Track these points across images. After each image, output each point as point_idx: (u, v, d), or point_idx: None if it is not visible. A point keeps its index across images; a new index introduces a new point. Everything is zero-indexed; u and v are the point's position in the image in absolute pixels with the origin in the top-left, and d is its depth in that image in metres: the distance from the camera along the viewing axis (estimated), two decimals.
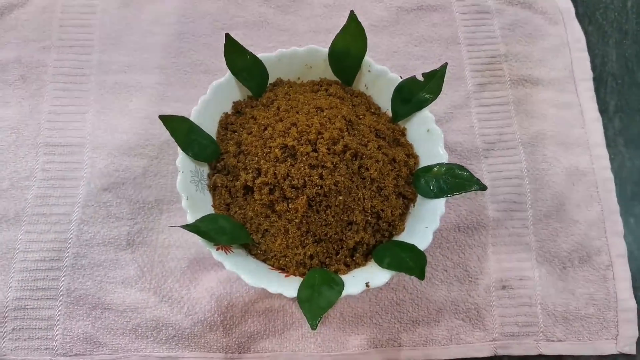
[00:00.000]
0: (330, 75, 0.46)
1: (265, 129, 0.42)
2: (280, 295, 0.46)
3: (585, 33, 0.57)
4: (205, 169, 0.43)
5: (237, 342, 0.45)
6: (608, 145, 0.52)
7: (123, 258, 0.47)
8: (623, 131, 0.54)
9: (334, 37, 0.45)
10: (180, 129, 0.41)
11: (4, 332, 0.45)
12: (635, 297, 0.47)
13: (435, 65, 0.44)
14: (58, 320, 0.45)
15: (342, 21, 0.45)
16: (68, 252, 0.47)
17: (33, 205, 0.48)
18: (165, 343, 0.45)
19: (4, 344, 0.44)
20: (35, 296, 0.45)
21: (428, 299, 0.47)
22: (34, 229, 0.47)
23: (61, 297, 0.46)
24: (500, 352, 0.46)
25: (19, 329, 0.45)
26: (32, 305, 0.45)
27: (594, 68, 0.55)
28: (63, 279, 0.46)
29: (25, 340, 0.45)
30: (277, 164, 0.40)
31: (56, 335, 0.45)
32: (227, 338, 0.45)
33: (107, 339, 0.45)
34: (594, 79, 0.55)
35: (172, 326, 0.45)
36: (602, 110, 0.54)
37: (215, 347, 0.45)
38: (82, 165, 0.49)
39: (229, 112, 0.45)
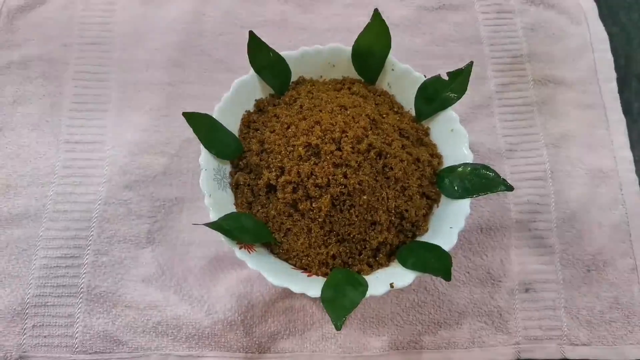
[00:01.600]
0: (353, 73, 0.46)
1: (289, 127, 0.42)
2: (300, 295, 0.46)
3: (609, 34, 0.56)
4: (227, 167, 0.43)
5: (257, 342, 0.45)
6: (632, 147, 0.52)
7: (143, 256, 0.47)
8: None
9: (353, 35, 0.45)
10: (204, 127, 0.41)
11: (24, 329, 0.45)
12: None
13: (457, 65, 0.44)
14: (78, 317, 0.45)
15: (362, 20, 0.45)
16: (89, 250, 0.47)
17: (54, 202, 0.48)
18: (185, 342, 0.45)
19: (24, 341, 0.44)
20: (56, 293, 0.45)
21: (450, 300, 0.46)
22: (55, 225, 0.47)
23: (81, 295, 0.45)
24: (524, 356, 0.45)
25: (39, 325, 0.45)
26: (53, 302, 0.45)
27: (617, 69, 0.55)
28: (83, 276, 0.46)
29: (45, 337, 0.44)
30: (301, 162, 0.39)
31: (76, 333, 0.45)
32: (247, 338, 0.45)
33: (127, 337, 0.45)
34: (618, 80, 0.54)
35: (192, 325, 0.45)
36: (626, 111, 0.53)
37: (235, 346, 0.44)
38: (103, 162, 0.49)
39: (252, 110, 0.45)
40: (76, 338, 0.44)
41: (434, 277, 0.46)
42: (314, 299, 0.46)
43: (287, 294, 0.46)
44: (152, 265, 0.47)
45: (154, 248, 0.47)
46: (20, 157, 0.50)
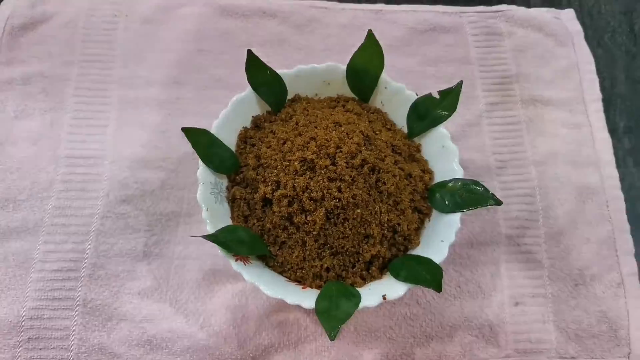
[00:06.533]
0: (347, 91, 0.48)
1: (284, 142, 0.43)
2: (294, 308, 0.46)
3: (595, 55, 0.58)
4: (224, 182, 0.44)
5: (251, 355, 0.45)
6: (618, 165, 0.53)
7: (140, 269, 0.47)
8: (632, 151, 0.55)
9: (348, 55, 0.46)
10: (202, 142, 0.42)
11: (20, 342, 0.45)
12: None
13: (449, 85, 0.46)
14: (74, 330, 0.45)
15: (357, 40, 0.46)
16: (85, 263, 0.47)
17: (52, 216, 0.49)
18: (180, 355, 0.45)
19: (19, 354, 0.44)
20: (52, 306, 0.46)
21: (442, 314, 0.47)
22: (52, 239, 0.48)
23: (77, 308, 0.46)
24: None
25: (35, 338, 0.45)
26: (49, 315, 0.46)
27: (603, 89, 0.56)
28: (80, 289, 0.46)
29: (40, 350, 0.45)
30: (296, 176, 0.41)
31: (72, 346, 0.45)
32: (241, 351, 0.45)
33: (122, 350, 0.45)
34: (603, 100, 0.56)
35: (187, 338, 0.45)
36: (612, 130, 0.55)
37: (229, 359, 0.45)
38: (102, 177, 0.50)
39: (249, 127, 0.46)
40: (71, 351, 0.45)
41: (425, 291, 0.47)
42: (308, 312, 0.46)
43: (281, 307, 0.46)
44: (148, 278, 0.47)
45: (150, 261, 0.48)
46: (20, 171, 0.50)
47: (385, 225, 0.41)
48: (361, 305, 0.38)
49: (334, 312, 0.37)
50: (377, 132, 0.44)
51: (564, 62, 0.58)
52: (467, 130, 0.54)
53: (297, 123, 0.44)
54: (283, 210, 0.40)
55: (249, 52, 0.45)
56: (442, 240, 0.41)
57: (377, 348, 0.46)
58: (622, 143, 0.55)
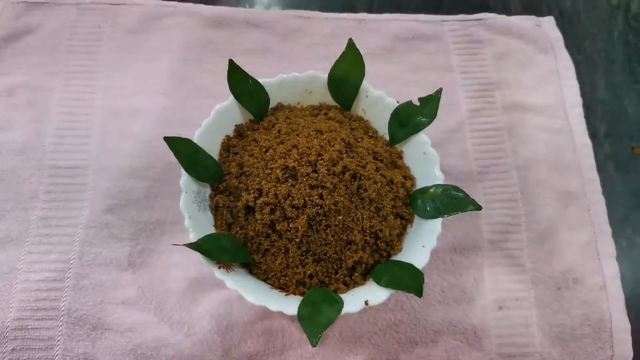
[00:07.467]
0: (329, 100, 0.48)
1: (267, 151, 0.43)
2: (279, 316, 0.47)
3: (575, 62, 0.59)
4: (207, 190, 0.44)
5: None
6: (599, 169, 0.54)
7: (124, 278, 0.47)
8: (612, 155, 0.56)
9: (331, 64, 0.47)
10: (184, 151, 0.42)
11: (4, 352, 0.45)
12: (629, 317, 0.48)
13: (430, 92, 0.46)
14: (58, 340, 0.45)
15: (340, 49, 0.47)
16: (70, 273, 0.47)
17: (36, 226, 0.49)
18: None
19: None
20: (36, 316, 0.46)
21: (426, 319, 0.47)
22: (37, 249, 0.48)
23: (62, 318, 0.46)
24: None
25: (19, 349, 0.45)
26: (33, 326, 0.45)
27: (583, 95, 0.57)
28: (64, 299, 0.46)
29: None
30: (278, 184, 0.41)
31: (56, 356, 0.45)
32: (226, 358, 0.45)
33: (106, 359, 0.45)
34: (584, 106, 0.57)
35: (171, 346, 0.45)
36: (592, 135, 0.56)
37: None
38: (86, 187, 0.50)
39: (231, 135, 0.47)
40: None
41: (410, 297, 0.48)
42: (293, 320, 0.47)
43: (266, 314, 0.47)
44: (132, 287, 0.47)
45: (135, 270, 0.48)
46: (4, 182, 0.50)
47: (368, 231, 0.42)
48: (343, 311, 0.38)
49: (316, 319, 0.37)
50: (358, 140, 0.45)
51: (545, 68, 0.58)
52: (450, 137, 0.54)
53: (279, 131, 0.44)
54: (265, 218, 0.41)
55: (231, 61, 0.45)
56: (423, 246, 0.41)
57: (362, 354, 0.46)
58: (603, 147, 0.56)
